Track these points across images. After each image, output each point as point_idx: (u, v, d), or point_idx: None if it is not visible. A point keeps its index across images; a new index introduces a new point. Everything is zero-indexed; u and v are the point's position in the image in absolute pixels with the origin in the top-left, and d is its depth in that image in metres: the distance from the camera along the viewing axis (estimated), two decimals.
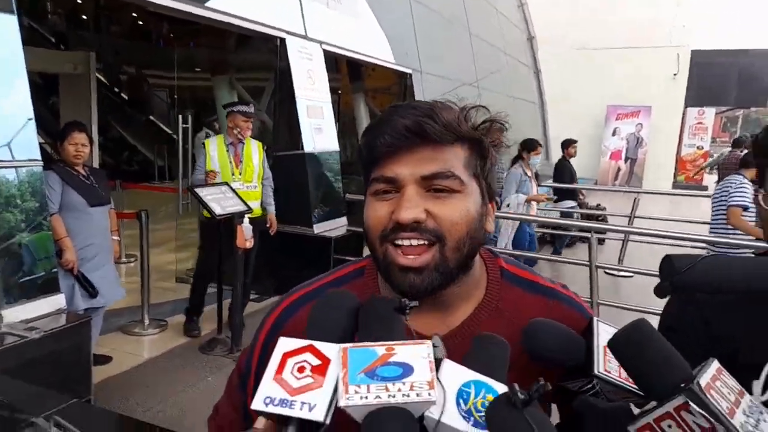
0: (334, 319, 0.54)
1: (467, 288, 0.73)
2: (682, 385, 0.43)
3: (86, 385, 2.47)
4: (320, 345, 0.50)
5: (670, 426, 0.42)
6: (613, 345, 0.50)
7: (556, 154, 13.95)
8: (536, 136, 12.88)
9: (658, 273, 0.84)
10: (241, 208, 3.81)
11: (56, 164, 3.14)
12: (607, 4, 13.96)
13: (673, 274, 0.76)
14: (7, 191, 2.44)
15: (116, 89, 11.30)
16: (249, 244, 3.68)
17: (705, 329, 0.74)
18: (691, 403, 0.41)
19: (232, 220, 3.66)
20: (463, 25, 9.18)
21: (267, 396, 0.48)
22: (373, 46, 6.36)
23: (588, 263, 4.23)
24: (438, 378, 0.47)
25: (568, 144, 7.08)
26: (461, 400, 0.48)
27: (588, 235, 4.43)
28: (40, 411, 2.18)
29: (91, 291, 3.04)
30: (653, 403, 0.45)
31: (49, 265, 2.57)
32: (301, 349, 0.50)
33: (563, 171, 7.10)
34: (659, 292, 0.79)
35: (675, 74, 14.02)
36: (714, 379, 0.43)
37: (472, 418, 0.47)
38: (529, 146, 5.32)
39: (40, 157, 2.58)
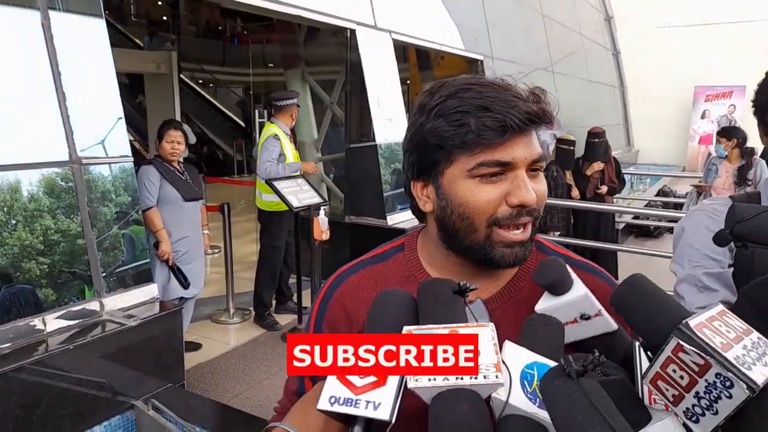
0: (392, 315, 0.54)
1: None
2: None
3: (179, 371, 2.59)
4: None
5: (674, 371, 0.42)
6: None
7: (639, 139, 13.25)
8: (616, 121, 12.32)
9: None
10: (317, 200, 3.87)
11: (155, 160, 3.30)
12: None
13: (735, 223, 0.73)
14: (103, 186, 2.59)
15: (196, 87, 11.82)
16: (325, 236, 3.72)
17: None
18: (682, 343, 0.41)
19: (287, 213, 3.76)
20: (535, 8, 8.84)
21: (332, 395, 0.48)
22: (442, 34, 6.24)
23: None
24: (502, 360, 0.47)
25: None
26: (525, 382, 0.48)
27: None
28: (138, 394, 2.33)
29: (183, 282, 3.19)
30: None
31: (143, 257, 2.71)
32: None
33: None
34: (718, 239, 0.78)
35: None
36: (711, 319, 0.43)
37: (537, 399, 0.47)
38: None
39: (130, 154, 2.71)
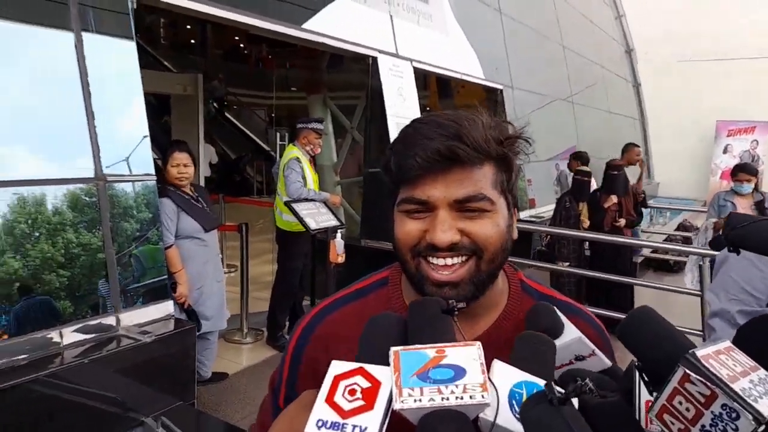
0: (382, 341, 0.54)
1: (492, 298, 0.75)
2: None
3: (190, 389, 2.60)
4: (370, 368, 0.50)
5: (680, 403, 0.41)
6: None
7: (660, 172, 13.14)
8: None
9: None
10: (335, 223, 3.89)
11: (167, 188, 2.99)
12: (715, 12, 12.97)
13: (731, 230, 0.75)
14: (125, 203, 2.63)
15: (220, 108, 12.07)
16: (341, 259, 3.74)
17: None
18: (689, 372, 0.40)
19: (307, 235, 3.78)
20: (556, 40, 8.91)
21: (319, 418, 0.48)
22: (463, 62, 6.32)
23: (699, 292, 3.90)
24: (490, 379, 0.47)
25: None
26: (513, 401, 0.47)
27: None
28: (149, 411, 2.33)
29: (197, 324, 3.01)
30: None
31: (158, 273, 2.74)
32: (351, 372, 0.51)
33: None
34: (713, 244, 0.78)
35: None
36: (718, 353, 0.43)
37: None
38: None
39: (153, 172, 2.75)
